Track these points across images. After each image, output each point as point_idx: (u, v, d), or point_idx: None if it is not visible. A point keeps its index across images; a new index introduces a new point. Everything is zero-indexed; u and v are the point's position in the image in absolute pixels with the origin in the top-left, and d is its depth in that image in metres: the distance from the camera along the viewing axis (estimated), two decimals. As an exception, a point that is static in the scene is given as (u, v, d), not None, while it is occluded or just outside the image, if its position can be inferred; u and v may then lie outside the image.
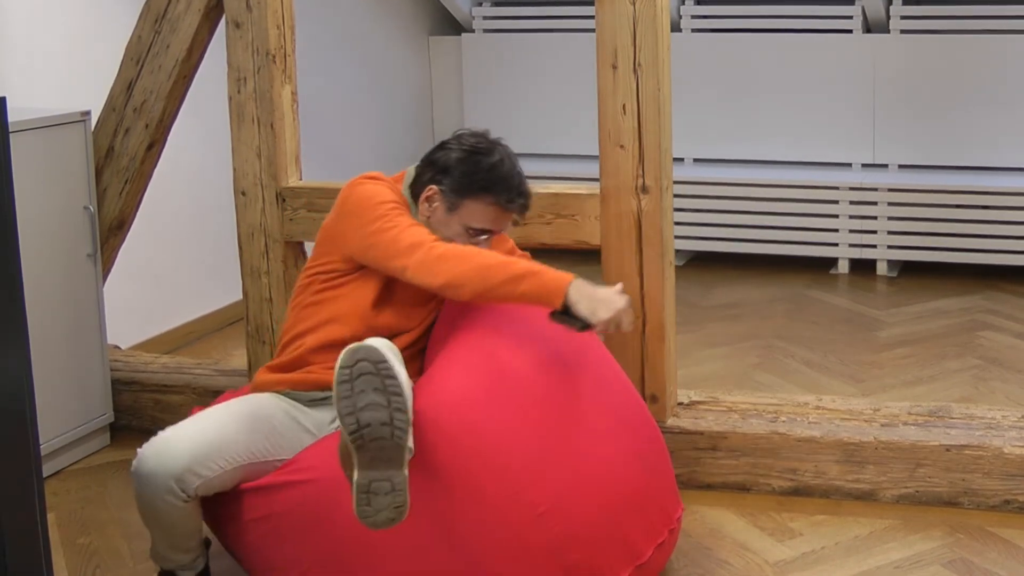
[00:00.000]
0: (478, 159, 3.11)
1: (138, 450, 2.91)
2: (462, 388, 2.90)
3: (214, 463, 2.88)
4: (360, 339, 2.78)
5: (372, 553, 2.86)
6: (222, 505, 3.01)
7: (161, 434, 2.91)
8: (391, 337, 3.02)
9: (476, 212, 3.11)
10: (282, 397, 3.12)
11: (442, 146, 3.19)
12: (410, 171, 3.25)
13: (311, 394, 3.12)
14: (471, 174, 3.10)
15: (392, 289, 3.13)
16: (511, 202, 3.12)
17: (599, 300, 2.89)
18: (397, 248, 2.99)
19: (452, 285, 2.93)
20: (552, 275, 2.94)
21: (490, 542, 2.80)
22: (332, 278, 3.15)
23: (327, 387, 2.96)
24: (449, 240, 3.08)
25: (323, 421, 3.09)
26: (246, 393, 3.20)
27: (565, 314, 2.89)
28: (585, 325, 2.88)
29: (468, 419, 2.85)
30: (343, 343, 2.84)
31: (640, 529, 2.95)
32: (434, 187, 3.12)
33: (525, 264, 2.98)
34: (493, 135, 3.21)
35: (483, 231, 3.13)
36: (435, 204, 3.13)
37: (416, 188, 3.19)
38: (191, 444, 2.88)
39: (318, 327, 3.13)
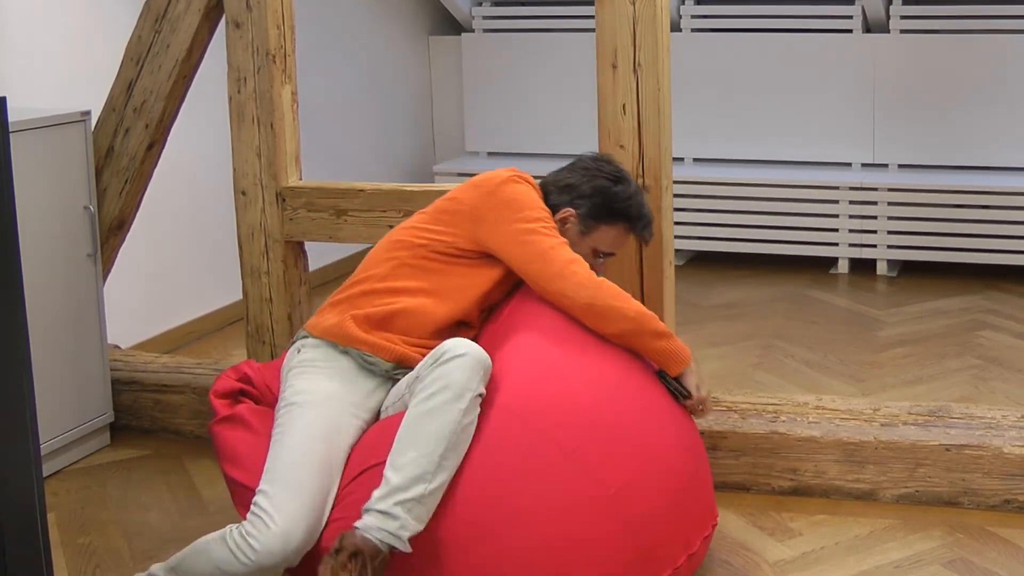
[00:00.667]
0: (618, 189, 3.26)
1: (249, 540, 2.79)
2: (532, 371, 2.98)
3: (323, 523, 2.86)
4: (453, 321, 3.10)
5: (441, 542, 2.82)
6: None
7: (273, 526, 2.78)
8: (458, 326, 3.16)
9: (608, 237, 3.27)
10: (351, 359, 3.08)
11: (575, 168, 3.32)
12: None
13: (385, 364, 3.08)
14: (611, 202, 3.25)
15: (493, 289, 3.20)
16: (644, 229, 3.32)
17: (703, 379, 3.16)
18: (552, 257, 3.08)
19: (604, 316, 3.05)
20: (681, 344, 3.13)
21: (563, 524, 2.82)
22: (450, 254, 3.16)
23: (401, 363, 3.06)
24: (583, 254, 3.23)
25: (380, 401, 3.09)
26: (314, 333, 3.12)
27: (675, 379, 3.13)
28: (686, 395, 3.13)
29: (538, 401, 2.91)
30: (434, 321, 3.09)
31: (692, 519, 3.03)
32: (571, 210, 3.24)
33: (663, 324, 3.12)
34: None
35: (608, 254, 3.31)
36: (568, 225, 3.24)
37: (551, 206, 3.25)
38: (307, 526, 2.81)
39: (417, 292, 3.14)
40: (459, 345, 2.85)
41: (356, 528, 2.72)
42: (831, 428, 3.64)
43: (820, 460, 3.61)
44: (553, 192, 3.27)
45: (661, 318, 3.60)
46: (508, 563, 2.79)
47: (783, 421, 3.70)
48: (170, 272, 5.22)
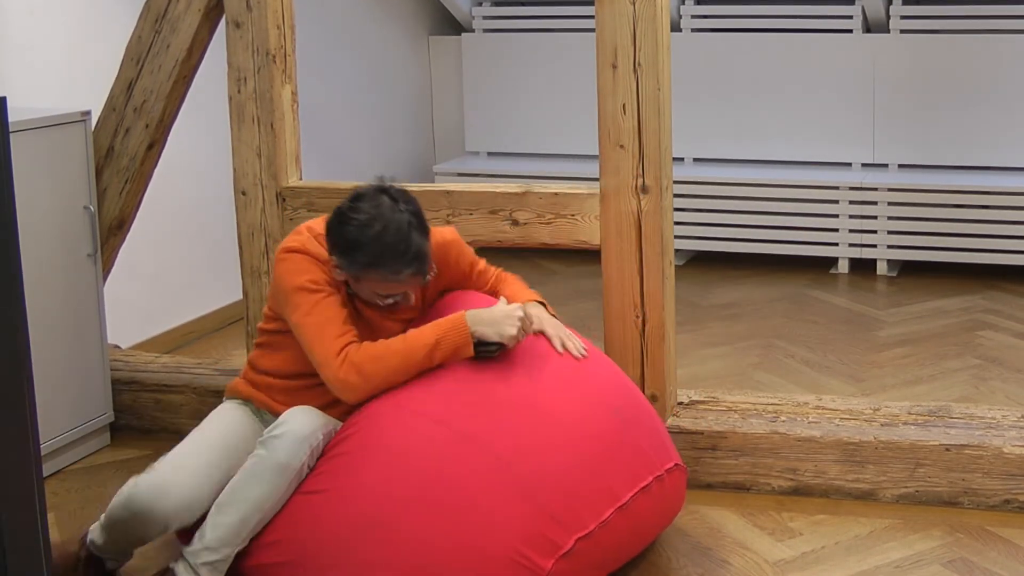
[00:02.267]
0: (358, 234, 3.03)
1: (135, 479, 3.05)
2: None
3: (200, 512, 3.07)
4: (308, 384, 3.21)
5: (338, 534, 3.00)
6: None
7: (158, 474, 3.06)
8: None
9: (376, 284, 3.09)
10: (249, 409, 3.33)
11: (336, 212, 3.13)
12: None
13: (269, 417, 3.29)
14: (353, 252, 3.05)
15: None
16: (398, 274, 3.06)
17: (498, 321, 3.08)
18: (314, 357, 3.11)
19: (376, 380, 3.09)
20: (448, 329, 3.08)
21: (460, 495, 2.94)
22: (285, 332, 3.23)
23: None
24: (369, 300, 3.15)
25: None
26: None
27: (479, 347, 3.09)
28: (500, 346, 3.09)
29: (427, 392, 3.09)
30: (294, 390, 3.24)
31: (619, 475, 3.05)
32: (333, 259, 3.11)
33: (423, 338, 3.08)
34: (385, 181, 3.17)
35: (395, 295, 3.13)
36: (342, 274, 3.12)
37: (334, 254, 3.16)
38: (186, 495, 3.04)
39: (277, 372, 3.29)
40: (289, 419, 3.07)
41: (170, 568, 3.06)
42: (831, 428, 3.65)
43: (820, 460, 3.61)
44: (326, 234, 3.15)
45: (661, 318, 3.61)
46: (410, 541, 2.93)
47: (783, 421, 3.70)
48: (170, 272, 5.22)
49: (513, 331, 3.07)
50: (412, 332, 3.10)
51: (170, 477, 3.04)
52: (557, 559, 2.91)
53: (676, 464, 3.23)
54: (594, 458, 3.03)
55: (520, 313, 3.10)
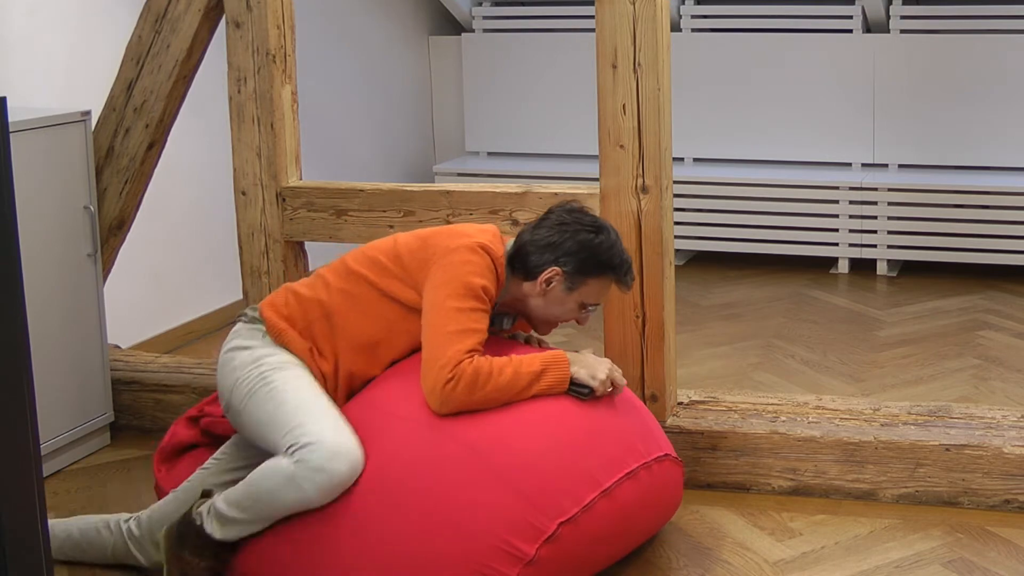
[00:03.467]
0: (601, 240, 3.20)
1: (311, 465, 2.97)
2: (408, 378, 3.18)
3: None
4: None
5: (327, 534, 3.00)
6: None
7: (325, 444, 2.98)
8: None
9: (594, 290, 3.22)
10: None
11: (553, 224, 3.22)
12: (510, 243, 3.25)
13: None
14: (594, 256, 3.19)
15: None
16: (627, 276, 3.25)
17: (592, 365, 3.13)
18: (434, 351, 3.05)
19: (465, 410, 3.05)
20: (552, 362, 3.10)
21: (444, 487, 2.96)
22: (381, 295, 3.20)
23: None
24: (556, 317, 3.25)
25: None
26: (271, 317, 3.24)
27: (572, 387, 3.12)
28: (591, 391, 3.11)
29: (402, 394, 3.13)
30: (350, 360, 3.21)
31: (599, 460, 3.05)
32: (557, 269, 3.17)
33: (531, 365, 3.08)
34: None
35: (594, 305, 3.26)
36: (553, 284, 3.19)
37: (526, 266, 3.20)
38: (349, 435, 3.04)
39: (354, 338, 3.23)
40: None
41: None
42: (831, 428, 3.65)
43: (820, 460, 3.61)
44: (534, 252, 3.19)
45: (661, 318, 3.61)
46: (392, 537, 2.95)
47: (783, 421, 3.70)
48: (170, 272, 5.22)
49: (603, 376, 3.10)
50: (519, 357, 3.08)
51: (335, 438, 2.99)
52: (541, 544, 2.91)
53: (666, 454, 3.22)
54: (570, 444, 3.03)
55: (610, 364, 3.15)
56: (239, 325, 3.28)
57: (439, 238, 3.19)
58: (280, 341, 3.19)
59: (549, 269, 3.17)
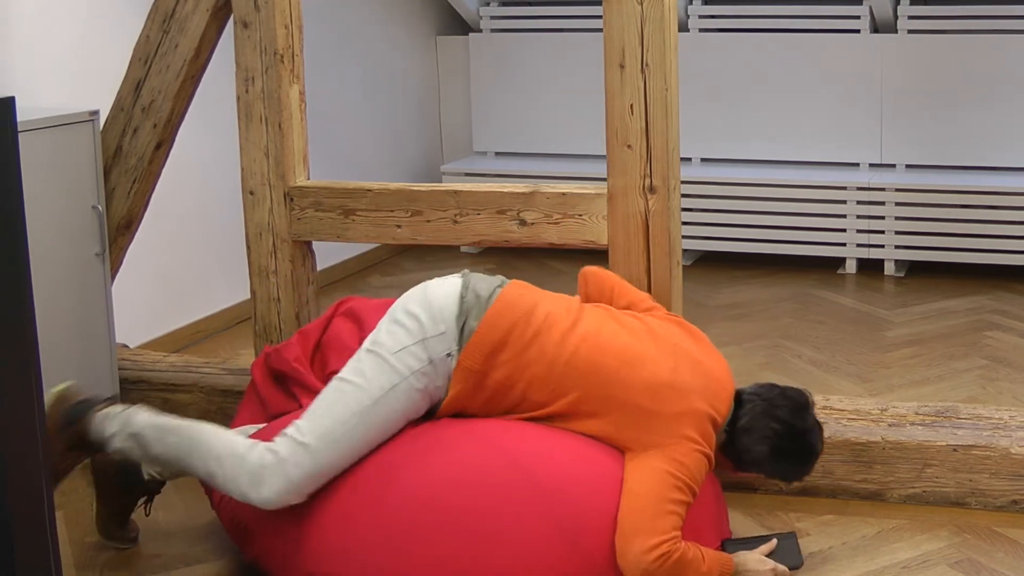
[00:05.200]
0: (806, 468, 3.21)
1: (265, 473, 2.99)
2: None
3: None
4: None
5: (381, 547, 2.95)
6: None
7: (290, 476, 2.99)
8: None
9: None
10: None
11: (765, 447, 3.13)
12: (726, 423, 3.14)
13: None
14: (794, 477, 3.24)
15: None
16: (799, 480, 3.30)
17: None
18: (641, 523, 2.92)
19: None
20: (719, 564, 3.02)
21: (502, 520, 2.93)
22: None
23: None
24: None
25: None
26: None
27: None
28: None
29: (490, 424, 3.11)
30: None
31: None
32: (760, 475, 3.23)
33: (711, 566, 2.99)
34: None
35: None
36: (748, 473, 3.22)
37: (736, 456, 3.16)
38: (316, 485, 3.03)
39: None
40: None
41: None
42: (838, 428, 3.64)
43: (827, 460, 3.60)
44: (742, 463, 3.17)
45: (668, 318, 3.61)
46: (439, 560, 2.92)
47: (790, 421, 3.69)
48: (178, 271, 5.23)
49: None
50: (707, 551, 3.01)
51: (303, 483, 3.00)
52: None
53: (726, 539, 3.23)
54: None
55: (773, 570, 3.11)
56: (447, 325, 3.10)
57: (672, 408, 3.04)
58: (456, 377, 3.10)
59: (752, 469, 3.19)
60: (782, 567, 3.11)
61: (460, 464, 2.99)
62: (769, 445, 3.11)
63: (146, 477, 3.35)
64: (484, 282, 3.17)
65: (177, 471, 3.21)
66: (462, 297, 3.10)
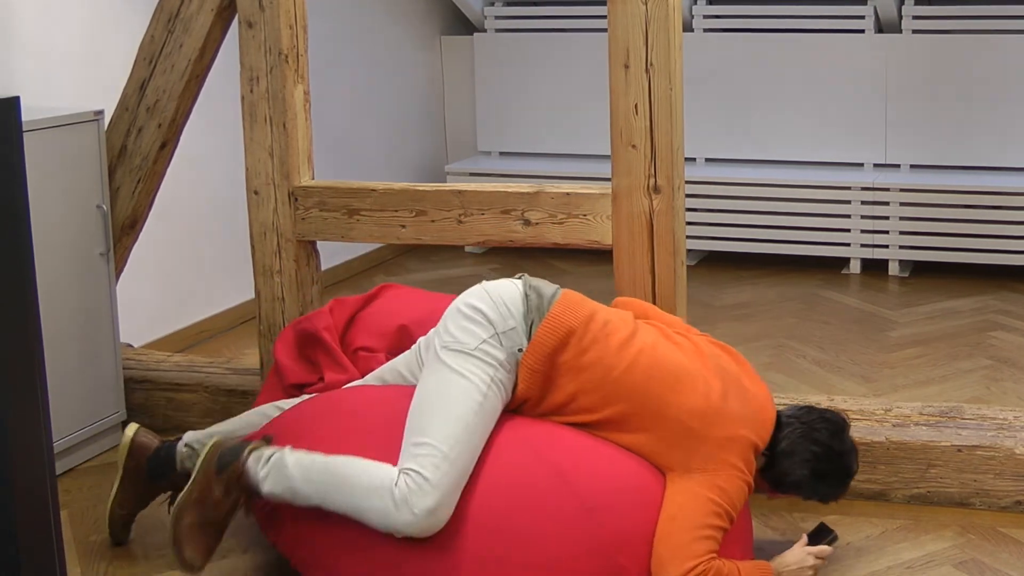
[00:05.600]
0: (843, 491, 3.24)
1: (411, 501, 2.91)
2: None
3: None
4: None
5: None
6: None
7: (441, 502, 2.92)
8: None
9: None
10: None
11: (806, 469, 3.15)
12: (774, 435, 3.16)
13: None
14: (835, 492, 3.23)
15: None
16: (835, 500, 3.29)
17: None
18: (676, 541, 2.94)
19: None
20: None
21: (541, 529, 2.92)
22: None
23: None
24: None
25: None
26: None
27: None
28: None
29: (538, 431, 3.10)
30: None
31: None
32: (799, 495, 3.22)
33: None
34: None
35: None
36: (786, 495, 3.24)
37: (775, 478, 3.18)
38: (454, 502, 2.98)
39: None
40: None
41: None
42: (842, 428, 3.64)
43: (831, 460, 3.61)
44: (782, 486, 3.19)
45: (673, 318, 3.60)
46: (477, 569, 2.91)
47: (794, 421, 3.69)
48: (183, 271, 5.23)
49: None
50: (742, 564, 3.03)
51: (449, 509, 2.93)
52: None
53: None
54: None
55: (810, 564, 3.12)
56: (514, 320, 3.07)
57: (718, 433, 3.04)
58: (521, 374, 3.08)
59: (792, 490, 3.19)
60: (825, 548, 3.14)
61: (505, 470, 2.99)
62: (810, 468, 3.14)
63: (178, 468, 3.33)
64: (544, 284, 3.18)
65: (323, 507, 3.08)
66: (526, 296, 3.10)
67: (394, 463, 2.96)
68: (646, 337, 3.13)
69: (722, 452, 3.01)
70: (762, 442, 3.09)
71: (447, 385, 3.00)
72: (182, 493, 3.04)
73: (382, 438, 3.04)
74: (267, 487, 3.01)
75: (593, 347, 3.06)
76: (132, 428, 3.40)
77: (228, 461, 3.03)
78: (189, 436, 3.38)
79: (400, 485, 2.90)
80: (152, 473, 3.37)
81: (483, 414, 3.00)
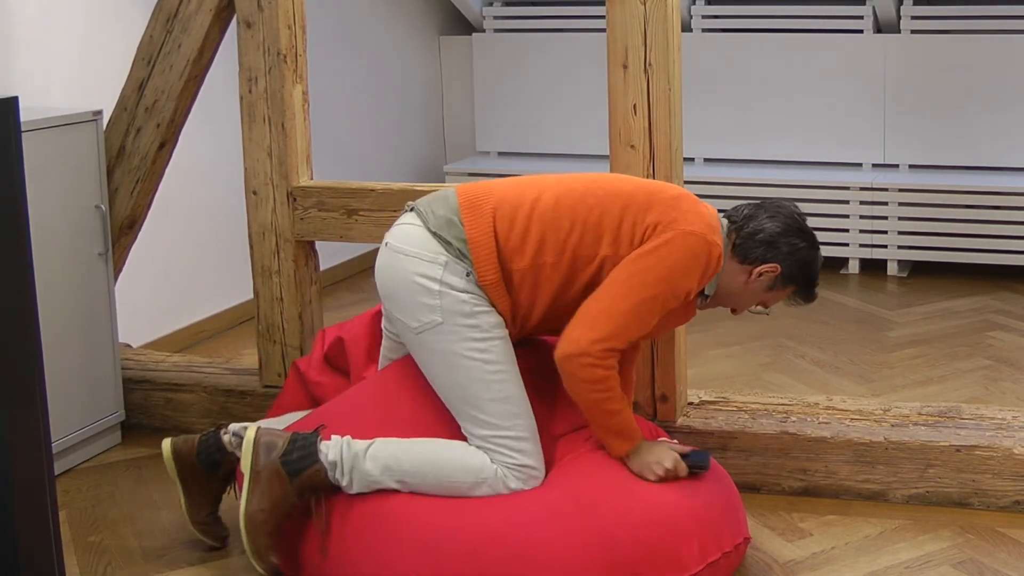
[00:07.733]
0: (815, 257, 3.25)
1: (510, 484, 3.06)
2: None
3: None
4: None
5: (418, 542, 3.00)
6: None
7: (536, 471, 3.09)
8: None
9: (783, 295, 3.28)
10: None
11: (776, 217, 3.21)
12: (725, 224, 3.20)
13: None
14: (811, 269, 3.24)
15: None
16: (815, 295, 3.32)
17: (646, 464, 3.10)
18: (598, 318, 3.01)
19: (573, 393, 3.07)
20: (624, 440, 3.11)
21: (537, 526, 2.97)
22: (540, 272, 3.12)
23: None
24: (739, 306, 3.33)
25: None
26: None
27: None
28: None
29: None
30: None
31: (689, 547, 3.01)
32: (778, 269, 3.19)
33: (620, 421, 3.09)
34: None
35: (768, 308, 3.34)
36: (762, 278, 3.20)
37: (745, 254, 3.19)
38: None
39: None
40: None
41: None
42: (841, 428, 3.64)
43: (830, 460, 3.61)
44: (756, 247, 3.17)
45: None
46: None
47: (793, 421, 3.70)
48: (181, 271, 5.23)
49: (652, 479, 3.08)
50: (628, 412, 3.11)
51: (542, 467, 3.10)
52: None
53: (745, 538, 3.20)
54: (668, 528, 3.00)
55: (668, 466, 3.09)
56: (443, 255, 3.07)
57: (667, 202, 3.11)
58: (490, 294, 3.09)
59: (770, 266, 3.17)
60: (684, 468, 3.11)
61: (528, 497, 3.04)
62: (781, 221, 3.19)
63: (228, 447, 3.29)
64: (435, 201, 3.16)
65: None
66: (435, 234, 3.08)
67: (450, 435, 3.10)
68: (548, 176, 3.22)
69: (663, 228, 3.05)
70: (715, 240, 3.09)
71: (453, 371, 3.07)
72: (245, 502, 3.07)
73: (431, 413, 3.16)
74: (355, 488, 3.07)
75: (518, 217, 3.08)
76: (167, 443, 3.36)
77: (298, 468, 3.06)
78: (233, 427, 3.32)
79: (500, 475, 3.04)
80: (205, 463, 3.34)
81: (498, 365, 3.06)
